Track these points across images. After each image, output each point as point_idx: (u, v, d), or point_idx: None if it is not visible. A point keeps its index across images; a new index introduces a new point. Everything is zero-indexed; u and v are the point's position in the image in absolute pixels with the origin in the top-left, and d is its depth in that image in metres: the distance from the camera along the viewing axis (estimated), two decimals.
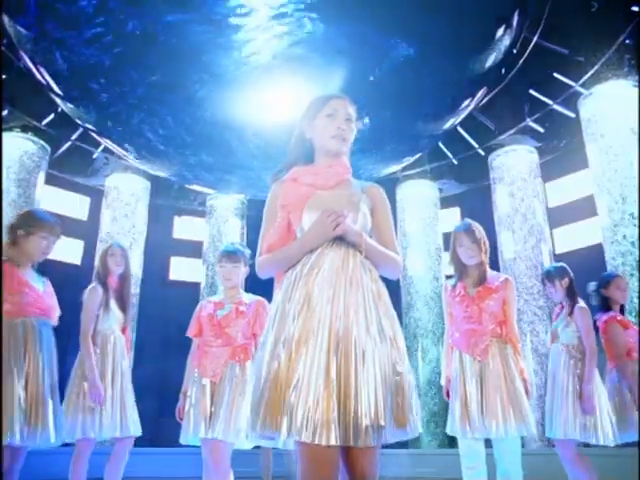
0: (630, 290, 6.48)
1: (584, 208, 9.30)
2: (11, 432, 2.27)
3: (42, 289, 2.68)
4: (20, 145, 8.34)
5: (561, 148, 9.21)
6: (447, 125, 7.52)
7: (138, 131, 6.80)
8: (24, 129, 8.35)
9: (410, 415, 1.47)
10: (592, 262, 7.38)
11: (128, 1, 5.14)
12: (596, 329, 3.47)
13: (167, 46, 5.54)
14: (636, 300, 6.47)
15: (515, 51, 7.29)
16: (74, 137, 9.07)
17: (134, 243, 9.30)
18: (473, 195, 10.48)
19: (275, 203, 1.68)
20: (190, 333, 3.11)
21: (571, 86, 7.85)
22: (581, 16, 7.17)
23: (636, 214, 6.75)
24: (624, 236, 6.81)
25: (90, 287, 3.27)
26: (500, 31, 5.96)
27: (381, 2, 5.36)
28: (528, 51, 7.72)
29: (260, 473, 4.79)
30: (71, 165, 9.83)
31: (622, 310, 3.63)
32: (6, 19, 5.63)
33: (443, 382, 3.03)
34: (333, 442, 1.34)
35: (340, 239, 1.56)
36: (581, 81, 7.63)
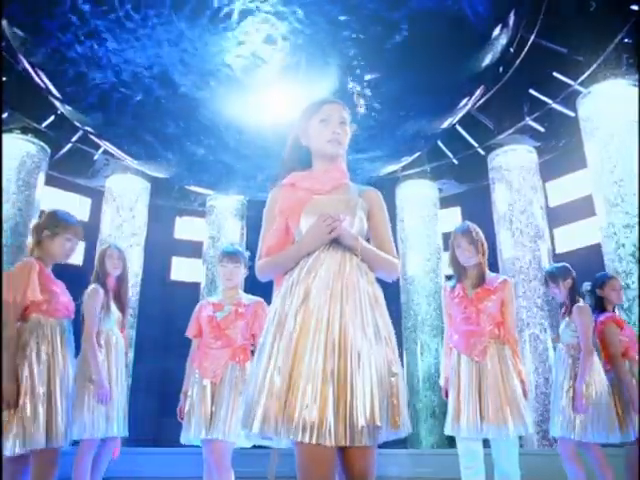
0: (630, 290, 6.49)
1: (585, 207, 9.30)
2: (22, 444, 2.26)
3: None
4: (20, 146, 8.37)
5: (560, 147, 9.20)
6: (445, 124, 7.53)
7: (137, 133, 6.82)
8: (24, 131, 8.38)
9: (405, 414, 1.50)
10: (593, 262, 7.38)
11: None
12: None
13: (166, 48, 5.57)
14: (636, 300, 6.47)
15: (512, 50, 7.31)
16: (74, 139, 9.09)
17: (134, 244, 9.33)
18: (474, 195, 10.46)
19: (274, 208, 1.72)
20: (189, 333, 3.14)
21: (570, 85, 7.85)
22: (580, 15, 7.17)
23: (635, 214, 6.74)
24: (623, 236, 6.81)
25: (91, 288, 3.30)
26: (497, 30, 5.97)
27: (378, 2, 5.38)
28: (527, 50, 7.70)
29: (263, 473, 4.82)
30: (71, 166, 9.87)
31: (613, 310, 3.66)
32: (4, 22, 5.66)
33: (442, 382, 3.05)
34: (330, 442, 1.36)
35: (336, 243, 1.59)
36: (579, 80, 7.62)
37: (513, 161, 8.99)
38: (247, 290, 3.28)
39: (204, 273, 10.05)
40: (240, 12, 5.22)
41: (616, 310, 3.72)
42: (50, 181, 9.97)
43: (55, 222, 2.63)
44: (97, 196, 10.30)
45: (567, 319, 3.48)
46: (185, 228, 12.15)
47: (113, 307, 3.35)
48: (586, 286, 3.69)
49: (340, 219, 1.58)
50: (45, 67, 5.97)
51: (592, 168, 7.46)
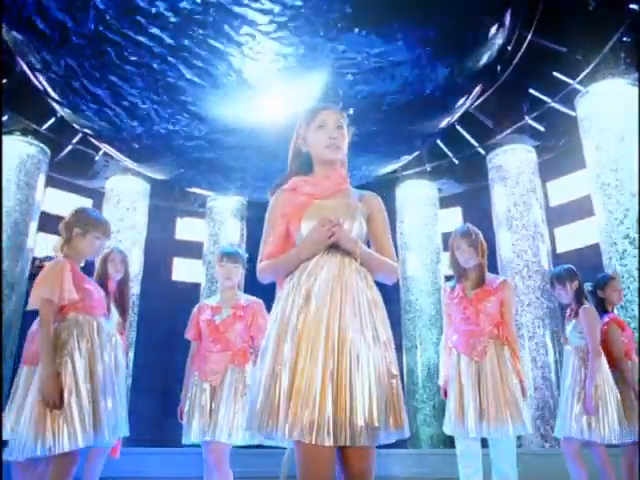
0: (629, 290, 6.50)
1: (586, 207, 9.30)
2: (75, 439, 2.24)
3: None
4: (20, 148, 8.41)
5: (560, 147, 9.20)
6: (443, 123, 7.54)
7: (135, 136, 6.84)
8: (24, 132, 8.42)
9: (404, 416, 1.53)
10: (593, 261, 7.39)
11: (124, 9, 5.18)
12: None
13: (164, 51, 5.59)
14: (637, 300, 6.48)
15: (510, 49, 7.32)
16: (75, 140, 9.12)
17: (135, 244, 9.36)
18: (475, 194, 10.46)
19: (275, 211, 1.75)
20: (188, 335, 3.16)
21: (569, 84, 7.86)
22: (579, 14, 7.18)
23: (635, 212, 6.74)
24: (622, 236, 6.82)
25: None
26: (493, 30, 5.99)
27: (375, 3, 5.40)
28: (527, 50, 7.71)
29: (263, 473, 4.84)
30: (72, 168, 9.92)
31: (612, 310, 3.68)
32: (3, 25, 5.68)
33: (441, 382, 3.08)
34: (330, 442, 1.39)
35: (336, 247, 1.62)
36: (578, 79, 7.62)
37: (512, 161, 8.99)
38: (247, 291, 3.30)
39: (204, 273, 10.09)
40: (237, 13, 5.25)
41: (614, 309, 3.75)
42: (52, 182, 10.01)
43: (85, 220, 2.61)
44: (98, 197, 10.34)
45: (574, 321, 3.48)
46: (186, 229, 12.18)
47: (113, 310, 3.36)
48: (587, 287, 3.69)
49: (340, 224, 1.60)
50: (43, 70, 5.99)
51: (590, 167, 7.45)
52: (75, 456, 2.30)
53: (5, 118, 7.98)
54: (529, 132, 9.01)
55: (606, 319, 3.55)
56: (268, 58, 5.72)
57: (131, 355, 8.74)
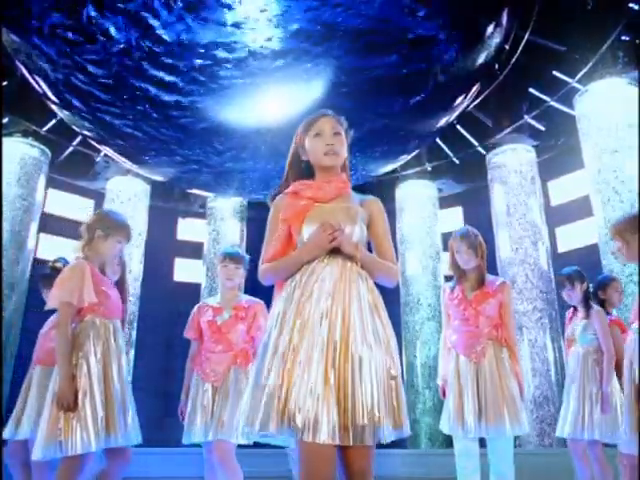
0: (628, 289, 6.51)
1: (586, 206, 9.30)
2: (88, 443, 2.25)
3: None
4: (21, 149, 8.47)
5: (560, 146, 9.17)
6: (441, 123, 7.55)
7: (134, 138, 6.86)
8: (25, 134, 8.47)
9: (404, 416, 1.55)
10: (594, 261, 7.39)
11: (121, 12, 5.19)
12: None
13: (162, 53, 5.61)
14: (636, 300, 6.48)
15: (508, 48, 7.33)
16: (76, 142, 9.16)
17: (135, 245, 9.39)
18: (476, 194, 10.42)
19: (277, 215, 1.79)
20: (188, 334, 3.17)
21: (569, 83, 7.87)
22: (577, 13, 7.18)
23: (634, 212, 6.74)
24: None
25: None
26: (490, 29, 5.99)
27: (372, 3, 5.41)
28: (526, 49, 7.69)
29: (266, 473, 4.84)
30: (73, 169, 9.96)
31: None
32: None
33: (440, 382, 3.10)
34: (331, 441, 1.42)
35: (337, 250, 1.64)
36: (577, 78, 7.61)
37: (512, 160, 8.97)
38: (247, 292, 3.31)
39: (204, 274, 10.11)
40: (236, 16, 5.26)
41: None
42: (53, 183, 10.05)
43: (108, 223, 2.63)
44: (100, 198, 10.37)
45: (585, 322, 3.52)
46: (187, 229, 12.21)
47: None
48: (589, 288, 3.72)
49: (341, 228, 1.63)
50: (41, 73, 6.01)
51: (589, 167, 7.44)
52: (86, 459, 2.31)
53: (5, 120, 8.01)
54: (529, 131, 9.00)
55: (607, 321, 3.58)
56: (267, 59, 5.74)
57: (131, 355, 8.77)
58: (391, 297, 1.79)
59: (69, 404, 2.25)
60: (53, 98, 6.43)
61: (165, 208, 11.01)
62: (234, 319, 3.04)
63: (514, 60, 7.86)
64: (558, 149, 9.28)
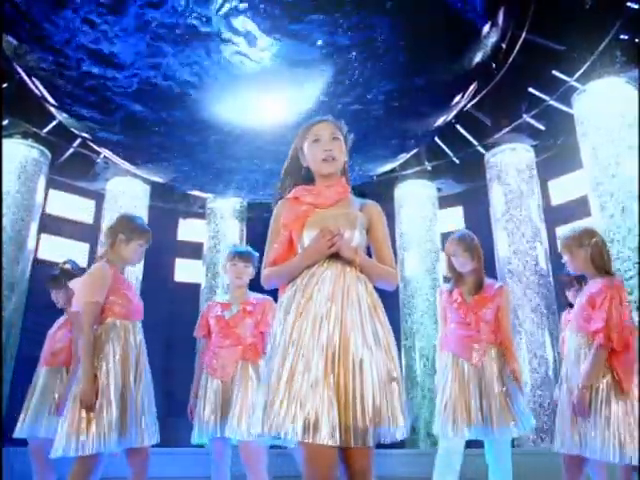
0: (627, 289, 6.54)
1: (587, 206, 9.31)
2: (104, 443, 2.30)
3: None
4: (21, 151, 8.52)
5: (559, 145, 9.14)
6: (439, 122, 7.56)
7: (133, 140, 6.87)
8: (25, 136, 8.51)
9: (405, 417, 1.58)
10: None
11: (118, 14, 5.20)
12: None
13: (160, 56, 5.62)
14: (636, 299, 6.52)
15: (505, 47, 7.34)
16: (76, 144, 9.19)
17: None
18: (477, 194, 10.39)
19: (279, 220, 1.82)
20: (197, 333, 3.19)
21: (567, 82, 7.86)
22: (576, 12, 7.16)
23: (633, 212, 6.72)
24: (619, 236, 6.80)
25: None
26: (486, 28, 6.00)
27: (369, 4, 5.43)
28: (525, 48, 7.70)
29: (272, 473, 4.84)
30: (73, 170, 10.00)
31: None
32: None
33: (437, 382, 3.09)
34: (333, 443, 1.45)
35: (336, 255, 1.67)
36: (575, 77, 7.61)
37: (510, 160, 8.96)
38: (253, 291, 3.31)
39: (204, 274, 10.12)
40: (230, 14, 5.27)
41: None
42: (54, 184, 10.07)
43: (131, 227, 2.68)
44: (101, 199, 10.41)
45: None
46: (188, 230, 12.22)
47: None
48: None
49: (340, 233, 1.66)
50: (39, 75, 6.03)
51: (587, 166, 7.44)
52: (100, 458, 2.36)
53: (5, 122, 8.03)
54: (528, 131, 8.99)
55: None
56: (267, 60, 5.75)
57: None
58: (389, 297, 1.82)
59: (91, 404, 2.30)
60: (51, 100, 6.45)
61: (165, 209, 11.03)
62: (242, 313, 3.05)
63: (513, 59, 7.86)
64: (558, 148, 9.26)
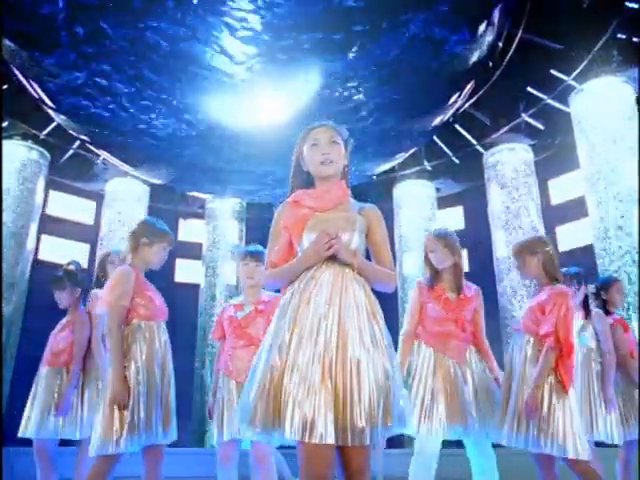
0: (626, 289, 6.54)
1: (585, 205, 9.30)
2: (131, 441, 2.35)
3: None
4: (21, 152, 8.55)
5: (557, 145, 9.12)
6: (436, 121, 7.56)
7: (131, 141, 6.88)
8: (24, 137, 8.55)
9: (398, 414, 1.59)
10: (593, 260, 7.41)
11: (116, 14, 5.22)
12: None
13: (159, 56, 5.64)
14: (636, 299, 6.51)
15: (501, 46, 7.34)
16: (75, 145, 9.21)
17: None
18: (477, 193, 10.37)
19: (279, 223, 1.84)
20: (213, 336, 3.21)
21: (565, 81, 7.85)
22: (574, 11, 7.16)
23: (632, 212, 6.72)
24: (617, 236, 6.80)
25: (92, 293, 3.41)
26: (482, 27, 6.01)
27: (367, 4, 5.45)
28: (523, 48, 7.71)
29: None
30: (73, 171, 10.03)
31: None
32: None
33: (404, 374, 2.91)
34: (330, 441, 1.46)
35: (335, 258, 1.69)
36: (572, 76, 7.61)
37: (509, 160, 8.96)
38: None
39: (203, 274, 10.14)
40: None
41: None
42: (54, 185, 10.09)
43: (153, 231, 2.73)
44: (101, 199, 10.44)
45: (583, 322, 3.53)
46: (188, 230, 12.22)
47: None
48: (591, 289, 3.71)
49: (338, 236, 1.68)
50: (37, 78, 6.04)
51: (584, 165, 7.43)
52: (119, 457, 2.41)
53: (5, 124, 8.06)
54: (526, 130, 8.99)
55: (610, 320, 3.60)
56: (264, 61, 5.77)
57: None
58: (388, 297, 1.84)
59: (125, 403, 2.36)
60: (49, 103, 6.46)
61: (165, 209, 11.03)
62: (254, 313, 3.04)
63: (511, 58, 7.86)
64: (558, 147, 9.25)
